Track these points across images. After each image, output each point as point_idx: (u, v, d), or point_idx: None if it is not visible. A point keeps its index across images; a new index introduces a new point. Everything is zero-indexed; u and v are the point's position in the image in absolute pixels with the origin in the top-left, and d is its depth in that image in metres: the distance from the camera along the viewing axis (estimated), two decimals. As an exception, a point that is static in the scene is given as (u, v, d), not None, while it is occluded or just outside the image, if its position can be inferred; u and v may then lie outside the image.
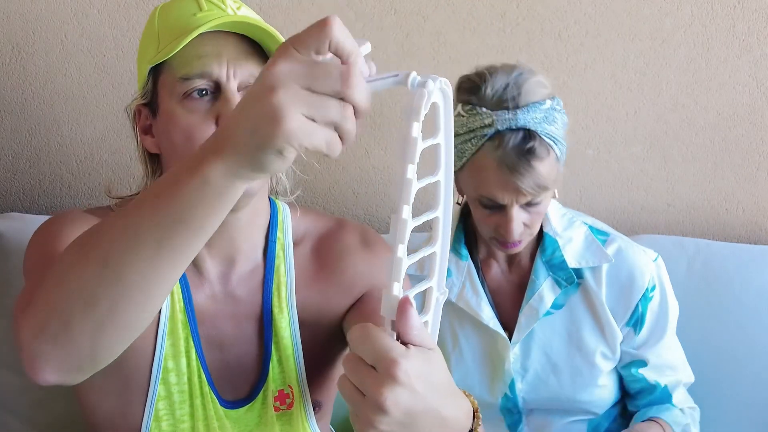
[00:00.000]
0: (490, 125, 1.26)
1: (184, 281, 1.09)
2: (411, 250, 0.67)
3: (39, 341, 0.79)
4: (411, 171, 0.65)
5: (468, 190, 1.34)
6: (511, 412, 1.45)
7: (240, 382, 1.13)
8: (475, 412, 0.80)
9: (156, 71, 1.05)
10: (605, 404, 1.46)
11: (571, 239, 1.42)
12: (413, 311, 0.68)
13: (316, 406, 1.16)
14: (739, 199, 1.81)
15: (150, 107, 1.07)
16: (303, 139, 0.64)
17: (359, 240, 1.17)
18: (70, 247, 0.79)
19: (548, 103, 1.28)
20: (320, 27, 0.64)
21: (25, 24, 1.67)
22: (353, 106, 0.65)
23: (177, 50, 0.99)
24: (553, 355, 1.42)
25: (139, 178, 1.12)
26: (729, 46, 1.73)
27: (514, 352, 1.42)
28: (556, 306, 1.41)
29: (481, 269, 1.44)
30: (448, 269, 1.43)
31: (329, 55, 0.66)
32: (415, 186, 0.66)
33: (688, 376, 1.49)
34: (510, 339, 1.42)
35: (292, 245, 1.15)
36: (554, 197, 1.37)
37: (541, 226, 1.41)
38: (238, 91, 1.01)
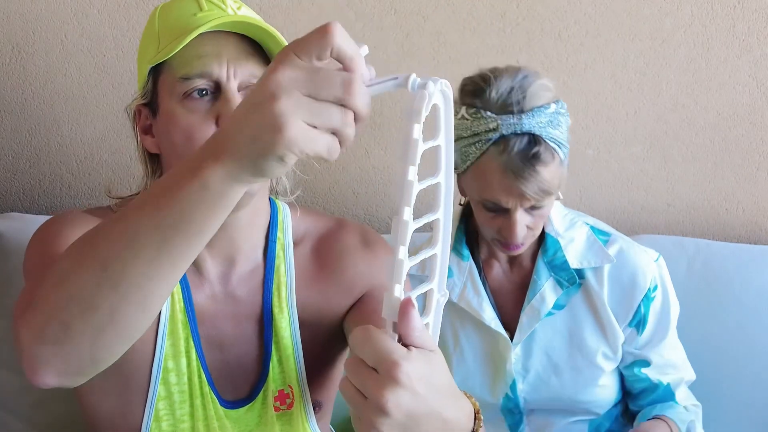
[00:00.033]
0: (494, 129, 1.25)
1: (184, 281, 1.09)
2: (412, 250, 0.67)
3: (39, 345, 0.79)
4: (412, 173, 0.64)
5: (471, 192, 1.34)
6: (512, 412, 1.45)
7: (240, 382, 1.13)
8: (476, 413, 0.80)
9: (156, 71, 1.05)
10: (606, 404, 1.46)
11: (573, 240, 1.42)
12: (415, 313, 0.68)
13: (316, 406, 1.16)
14: (739, 199, 1.81)
15: (150, 107, 1.07)
16: (304, 146, 0.64)
17: (359, 240, 1.17)
18: (69, 250, 0.79)
19: (553, 107, 1.28)
20: (321, 33, 0.64)
21: (25, 24, 1.67)
22: (354, 113, 0.65)
23: (177, 50, 0.99)
24: (554, 355, 1.42)
25: (139, 178, 1.12)
26: (729, 46, 1.73)
27: (515, 353, 1.42)
28: (557, 306, 1.41)
29: (482, 269, 1.44)
30: (450, 269, 1.43)
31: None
32: (416, 188, 0.66)
33: (689, 374, 1.50)
34: (511, 339, 1.42)
35: (292, 245, 1.15)
36: (558, 198, 1.36)
37: (543, 227, 1.41)
38: (239, 91, 1.01)
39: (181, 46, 0.99)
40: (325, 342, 1.15)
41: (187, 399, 1.09)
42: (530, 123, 1.25)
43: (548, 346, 1.42)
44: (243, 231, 1.10)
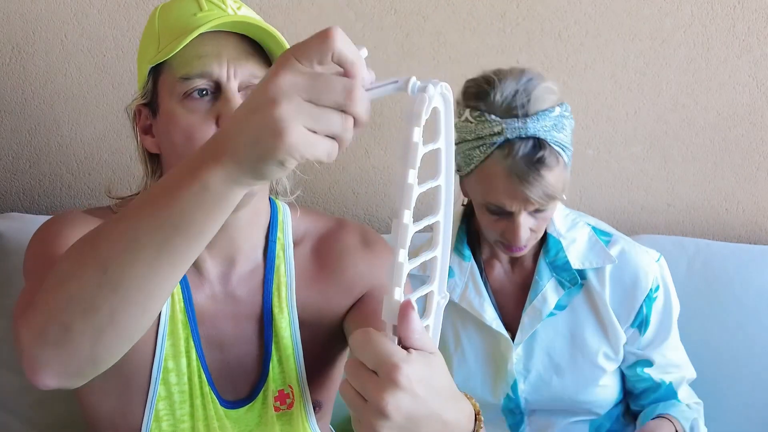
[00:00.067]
0: (499, 133, 1.25)
1: (184, 281, 1.09)
2: (412, 250, 0.67)
3: (39, 346, 0.79)
4: (412, 176, 0.64)
5: (475, 195, 1.34)
6: (513, 412, 1.45)
7: (240, 382, 1.13)
8: (476, 414, 0.80)
9: (156, 71, 1.05)
10: (607, 404, 1.46)
11: (575, 240, 1.42)
12: (415, 315, 0.68)
13: (316, 406, 1.16)
14: (739, 199, 1.81)
15: (150, 107, 1.07)
16: (305, 151, 0.64)
17: (359, 240, 1.17)
18: (70, 251, 0.79)
19: (557, 110, 1.27)
20: (323, 38, 0.64)
21: (25, 24, 1.67)
22: (354, 118, 0.66)
23: (177, 50, 0.99)
24: (555, 356, 1.42)
25: (139, 178, 1.12)
26: (729, 46, 1.73)
27: (516, 353, 1.42)
28: (559, 307, 1.41)
29: (484, 270, 1.44)
30: (451, 269, 1.43)
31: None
32: (416, 191, 0.66)
33: (690, 372, 1.50)
34: (513, 340, 1.42)
35: (292, 245, 1.15)
36: (562, 201, 1.36)
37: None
38: (239, 91, 1.01)
39: (181, 46, 0.99)
40: (325, 342, 1.15)
41: (187, 399, 1.09)
42: (535, 127, 1.25)
43: (549, 346, 1.42)
44: (243, 231, 1.10)
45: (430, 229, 0.74)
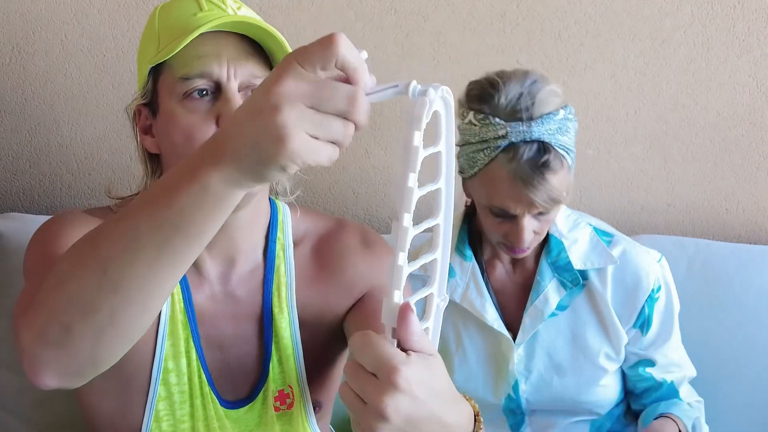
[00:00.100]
0: (503, 137, 1.25)
1: (184, 281, 1.09)
2: (412, 251, 0.67)
3: (39, 346, 0.79)
4: (412, 179, 0.64)
5: (478, 198, 1.33)
6: (514, 413, 1.45)
7: (240, 382, 1.13)
8: (476, 416, 0.80)
9: (156, 71, 1.05)
10: (608, 404, 1.46)
11: (577, 240, 1.42)
12: (414, 317, 0.68)
13: (316, 406, 1.16)
14: (739, 199, 1.81)
15: (150, 107, 1.07)
16: (306, 158, 0.64)
17: (359, 240, 1.17)
18: (69, 252, 0.79)
19: (562, 113, 1.27)
20: (326, 44, 0.64)
21: (25, 24, 1.67)
22: (354, 124, 0.66)
23: (177, 50, 0.99)
24: (556, 356, 1.42)
25: (139, 178, 1.12)
26: (729, 46, 1.73)
27: (518, 354, 1.42)
28: (560, 307, 1.41)
29: (485, 270, 1.44)
30: (452, 270, 1.43)
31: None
32: (416, 194, 0.66)
33: (691, 370, 1.50)
34: (514, 340, 1.42)
35: (292, 245, 1.15)
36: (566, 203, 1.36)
37: (547, 227, 1.41)
38: (239, 91, 1.01)
39: (181, 47, 0.99)
40: (325, 342, 1.15)
41: (187, 399, 1.09)
42: (539, 130, 1.24)
43: (551, 346, 1.42)
44: (243, 231, 1.10)
45: (429, 229, 0.74)
